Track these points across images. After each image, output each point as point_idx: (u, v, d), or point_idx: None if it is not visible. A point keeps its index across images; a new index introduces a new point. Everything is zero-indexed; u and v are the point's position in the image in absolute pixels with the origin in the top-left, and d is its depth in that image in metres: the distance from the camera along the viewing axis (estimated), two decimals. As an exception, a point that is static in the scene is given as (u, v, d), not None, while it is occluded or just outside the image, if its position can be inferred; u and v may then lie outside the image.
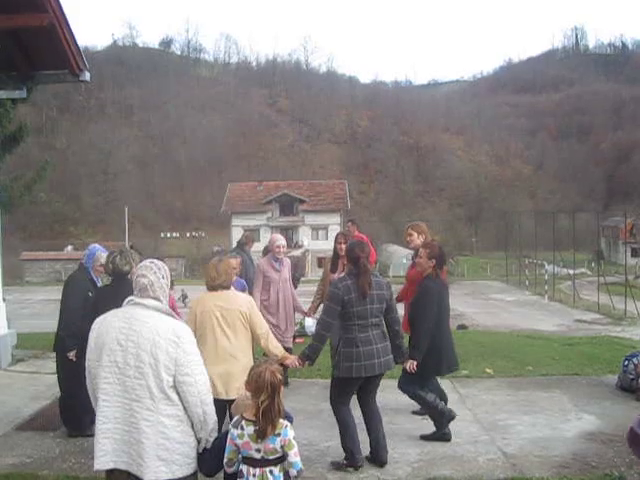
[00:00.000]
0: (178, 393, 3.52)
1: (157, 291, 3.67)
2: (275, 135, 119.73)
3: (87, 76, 11.54)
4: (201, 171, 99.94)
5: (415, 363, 6.34)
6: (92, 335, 3.66)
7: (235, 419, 3.69)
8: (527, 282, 39.69)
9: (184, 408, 3.55)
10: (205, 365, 3.69)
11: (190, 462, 3.60)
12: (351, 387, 6.01)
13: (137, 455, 3.46)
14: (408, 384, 6.61)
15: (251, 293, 8.55)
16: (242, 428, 3.61)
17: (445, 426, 6.56)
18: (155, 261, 3.82)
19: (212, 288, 5.49)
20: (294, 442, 3.62)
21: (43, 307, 22.42)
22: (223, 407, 4.94)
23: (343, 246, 7.95)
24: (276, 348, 5.64)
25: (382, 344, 5.93)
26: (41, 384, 9.19)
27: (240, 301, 5.56)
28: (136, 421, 3.47)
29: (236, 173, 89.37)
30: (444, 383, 8.23)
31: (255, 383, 3.60)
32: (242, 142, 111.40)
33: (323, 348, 6.03)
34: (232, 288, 5.71)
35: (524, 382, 9.21)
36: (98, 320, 3.72)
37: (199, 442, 3.67)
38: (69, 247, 72.34)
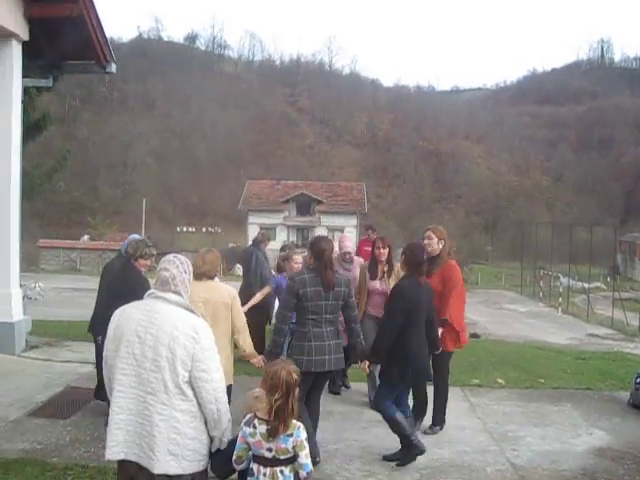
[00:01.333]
0: (193, 389, 3.53)
1: (178, 285, 3.69)
2: (295, 134, 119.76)
3: (113, 68, 11.63)
4: (219, 167, 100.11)
5: (367, 363, 6.24)
6: (112, 325, 3.69)
7: (248, 417, 3.69)
8: (541, 294, 39.44)
9: (198, 404, 3.56)
10: None
11: (201, 459, 3.61)
12: (304, 382, 5.89)
13: (148, 448, 3.48)
14: (381, 400, 6.24)
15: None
16: (254, 426, 3.61)
17: (410, 459, 6.11)
18: (178, 255, 3.84)
19: (197, 276, 5.46)
20: (306, 443, 3.62)
21: (56, 295, 22.48)
22: None
23: (383, 251, 7.65)
24: (247, 345, 5.79)
25: (334, 341, 5.93)
26: (54, 372, 9.24)
27: (224, 292, 5.69)
28: (149, 414, 3.49)
29: (254, 170, 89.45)
30: (455, 391, 8.22)
31: (270, 381, 3.61)
32: (262, 140, 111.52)
33: (285, 341, 6.10)
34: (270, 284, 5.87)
35: (535, 394, 9.17)
36: (118, 311, 3.75)
37: (212, 441, 3.68)
38: (85, 237, 72.65)
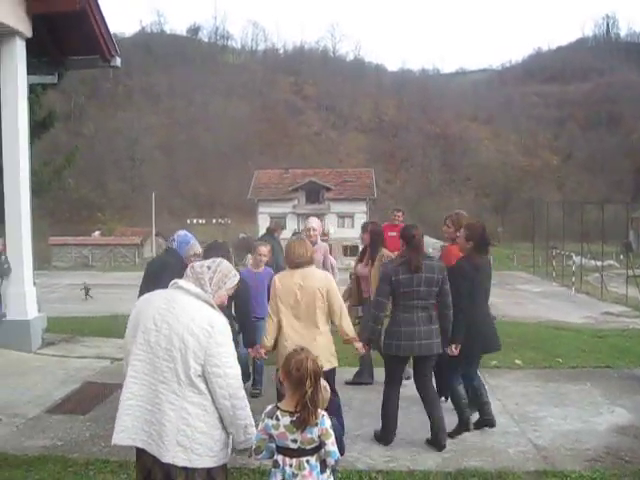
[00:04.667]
0: (207, 383, 3.51)
1: (203, 280, 3.68)
2: (301, 123, 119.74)
3: (118, 62, 11.59)
4: (226, 158, 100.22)
5: (455, 346, 6.28)
6: (134, 311, 3.70)
7: (269, 409, 3.64)
8: (554, 273, 39.33)
9: (212, 399, 3.53)
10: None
11: (213, 455, 3.56)
12: (395, 365, 6.22)
13: (157, 436, 3.46)
14: (454, 379, 6.51)
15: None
16: (277, 418, 3.55)
17: (460, 431, 6.48)
18: (217, 260, 3.86)
19: (294, 265, 5.85)
20: (331, 431, 3.57)
21: (70, 292, 22.59)
22: None
23: (364, 236, 8.33)
24: (350, 329, 5.98)
25: (426, 327, 6.01)
26: (71, 368, 9.25)
27: (319, 278, 5.91)
28: (160, 402, 3.47)
29: (261, 160, 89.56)
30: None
31: (296, 372, 3.53)
32: (268, 129, 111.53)
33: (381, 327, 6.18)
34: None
35: (554, 374, 9.11)
36: (142, 298, 3.79)
37: (234, 438, 3.66)
38: (96, 232, 73.05)
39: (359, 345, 6.06)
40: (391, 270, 6.00)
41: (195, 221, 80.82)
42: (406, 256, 6.03)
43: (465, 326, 6.22)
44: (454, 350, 6.25)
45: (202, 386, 3.49)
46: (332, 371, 5.83)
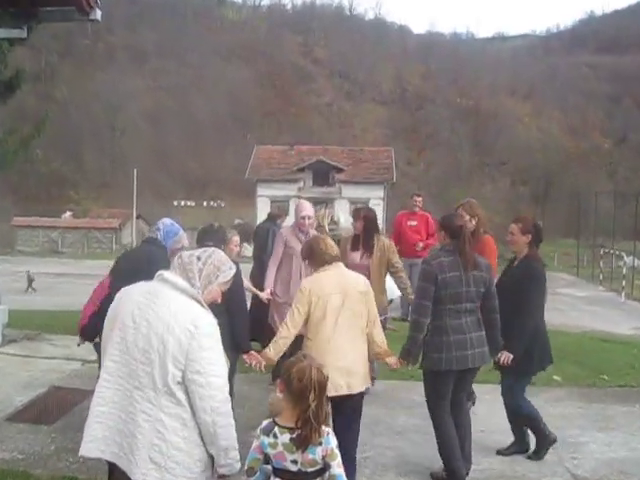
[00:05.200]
0: (187, 393, 3.47)
1: (192, 272, 3.66)
2: (310, 91, 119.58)
3: (98, 15, 11.55)
4: (223, 130, 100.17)
5: (511, 357, 6.25)
6: (113, 305, 3.70)
7: (265, 424, 3.63)
8: (601, 276, 39.16)
9: (192, 412, 3.49)
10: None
11: (191, 477, 3.51)
12: (444, 383, 5.94)
13: (129, 449, 3.45)
14: (519, 397, 6.58)
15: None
16: (275, 436, 3.54)
17: (545, 450, 6.63)
18: (209, 250, 3.84)
19: (325, 262, 5.76)
20: (337, 451, 3.56)
21: (37, 281, 22.62)
22: None
23: (357, 224, 8.61)
24: (382, 341, 5.88)
25: (477, 333, 5.89)
26: (35, 369, 9.29)
27: (358, 279, 5.89)
28: (134, 411, 3.45)
29: (264, 134, 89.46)
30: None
31: (298, 383, 3.50)
32: (272, 98, 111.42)
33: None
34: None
35: (598, 393, 9.12)
36: (123, 290, 3.77)
37: (214, 460, 3.60)
38: (67, 214, 73.07)
39: (393, 360, 5.88)
40: (437, 267, 5.80)
41: (183, 203, 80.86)
42: (453, 250, 5.89)
43: (530, 336, 6.30)
44: (508, 361, 6.25)
45: (181, 396, 3.46)
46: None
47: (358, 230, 8.51)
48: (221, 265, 3.78)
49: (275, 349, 5.69)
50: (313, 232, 8.95)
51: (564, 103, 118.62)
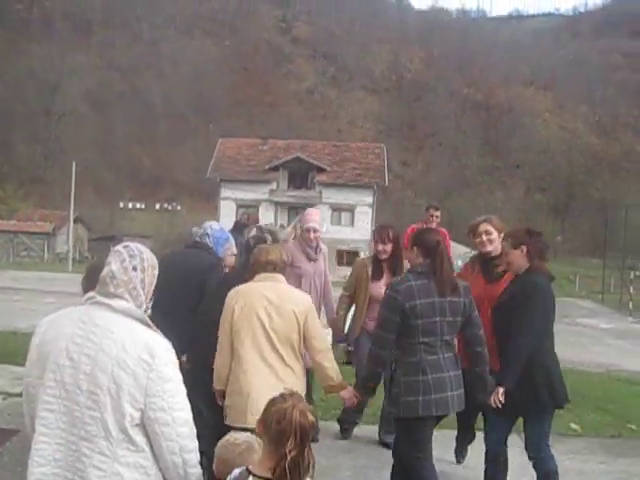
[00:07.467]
0: (147, 435, 3.41)
1: (120, 287, 3.56)
2: (289, 74, 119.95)
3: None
4: (182, 119, 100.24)
5: (502, 391, 6.03)
6: (35, 341, 3.58)
7: (236, 473, 3.59)
8: (631, 304, 39.44)
9: (154, 456, 3.44)
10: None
11: None
12: (423, 431, 5.83)
13: None
14: (543, 445, 6.44)
15: None
16: (249, 487, 3.52)
17: None
18: (131, 245, 3.71)
19: (259, 269, 5.74)
20: None
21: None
22: None
23: (384, 247, 8.02)
24: (335, 372, 5.80)
25: (454, 372, 5.79)
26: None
27: (296, 297, 5.80)
28: (83, 468, 3.37)
29: (230, 124, 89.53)
30: (511, 440, 8.16)
31: (277, 425, 3.43)
32: (242, 82, 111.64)
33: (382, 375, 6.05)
34: None
35: (624, 446, 9.12)
36: (45, 321, 3.62)
37: None
38: (-9, 214, 72.77)
39: (348, 394, 5.89)
40: (404, 293, 5.65)
41: (131, 205, 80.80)
42: (426, 272, 5.78)
43: (540, 370, 6.16)
44: (500, 399, 6.02)
45: (141, 440, 3.39)
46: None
47: (386, 254, 8.08)
48: (154, 263, 3.70)
49: (219, 377, 5.78)
50: (323, 246, 8.86)
51: (592, 96, 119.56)
